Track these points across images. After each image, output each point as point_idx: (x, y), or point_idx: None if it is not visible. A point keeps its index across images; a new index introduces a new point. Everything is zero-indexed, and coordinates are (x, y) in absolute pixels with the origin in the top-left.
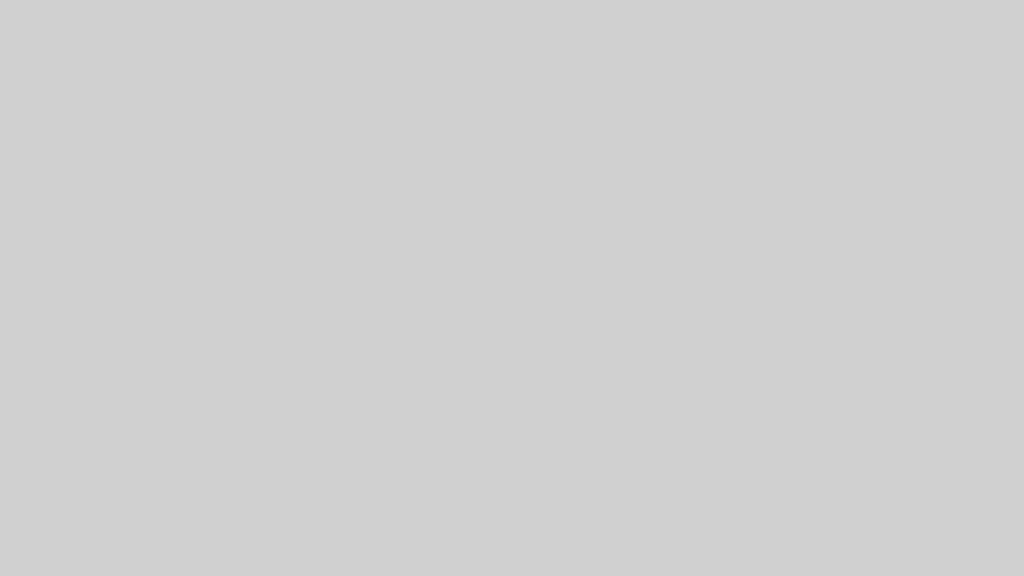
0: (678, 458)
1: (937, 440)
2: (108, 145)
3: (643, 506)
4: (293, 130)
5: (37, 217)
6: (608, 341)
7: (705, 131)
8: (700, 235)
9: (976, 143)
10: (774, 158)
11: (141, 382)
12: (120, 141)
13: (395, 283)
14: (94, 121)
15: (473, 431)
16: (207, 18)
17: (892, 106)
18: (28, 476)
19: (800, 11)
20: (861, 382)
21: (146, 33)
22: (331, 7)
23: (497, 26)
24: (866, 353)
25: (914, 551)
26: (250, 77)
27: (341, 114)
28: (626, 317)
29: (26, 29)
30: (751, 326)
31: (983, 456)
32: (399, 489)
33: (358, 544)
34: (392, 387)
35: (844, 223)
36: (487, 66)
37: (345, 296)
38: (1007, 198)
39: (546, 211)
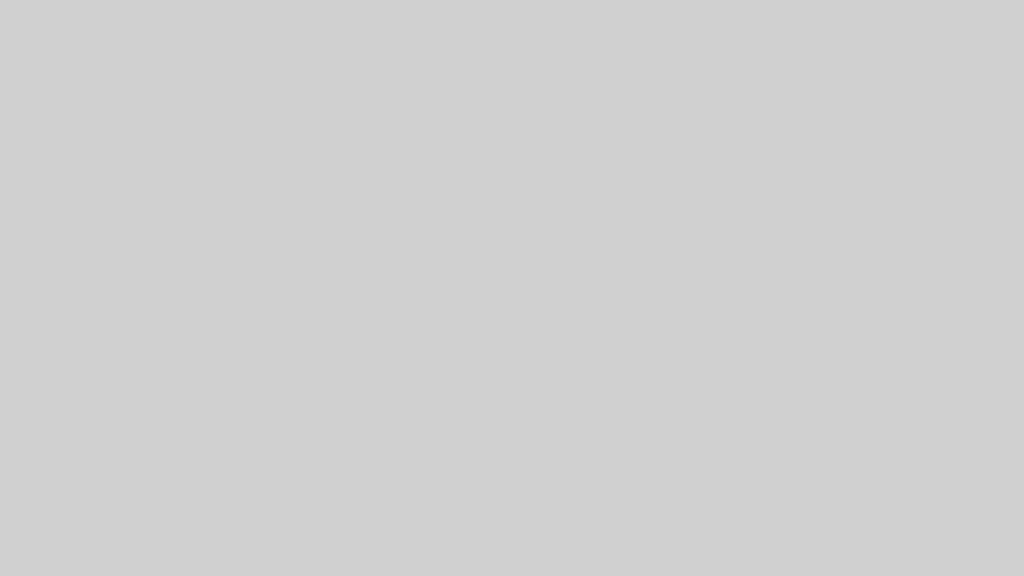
0: (678, 459)
1: (937, 441)
2: (108, 145)
3: (643, 506)
4: (293, 130)
5: (37, 217)
6: (608, 343)
7: (705, 131)
8: (700, 236)
9: (976, 143)
10: (774, 158)
11: (141, 383)
12: (120, 141)
13: (395, 284)
14: (94, 121)
15: (473, 432)
16: (207, 18)
17: (892, 106)
18: (28, 476)
19: (800, 11)
20: (861, 384)
21: (146, 33)
22: (331, 7)
23: (497, 26)
24: (866, 355)
25: (914, 551)
26: (250, 77)
27: (341, 114)
28: (626, 319)
29: (26, 29)
30: (751, 328)
31: (983, 457)
32: (399, 489)
33: (358, 544)
34: (392, 388)
35: (844, 224)
36: (487, 66)
37: (345, 297)
38: (1007, 198)
39: (546, 212)
